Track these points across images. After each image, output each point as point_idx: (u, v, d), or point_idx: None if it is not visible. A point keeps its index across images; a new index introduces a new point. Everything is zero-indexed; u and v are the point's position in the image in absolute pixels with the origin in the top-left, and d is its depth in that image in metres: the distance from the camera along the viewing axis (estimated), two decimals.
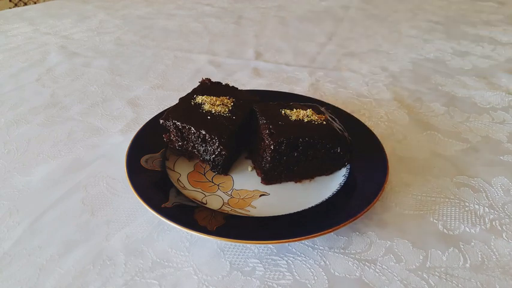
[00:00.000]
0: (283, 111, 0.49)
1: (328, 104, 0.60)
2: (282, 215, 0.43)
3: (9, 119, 0.65)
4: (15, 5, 2.45)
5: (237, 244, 0.41)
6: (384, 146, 0.51)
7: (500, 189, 0.49)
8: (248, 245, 0.41)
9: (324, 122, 0.47)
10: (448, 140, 0.59)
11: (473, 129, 0.62)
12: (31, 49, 0.94)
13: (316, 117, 0.48)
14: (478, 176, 0.51)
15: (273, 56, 0.90)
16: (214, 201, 0.45)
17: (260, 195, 0.47)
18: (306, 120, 0.47)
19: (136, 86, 0.76)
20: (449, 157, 0.55)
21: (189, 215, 0.41)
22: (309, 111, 0.49)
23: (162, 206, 0.41)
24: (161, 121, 0.50)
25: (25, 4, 2.51)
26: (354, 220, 0.40)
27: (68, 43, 0.98)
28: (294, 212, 0.43)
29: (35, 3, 2.20)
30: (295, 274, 0.38)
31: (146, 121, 0.56)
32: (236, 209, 0.44)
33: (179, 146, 0.51)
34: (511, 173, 0.52)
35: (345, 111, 0.58)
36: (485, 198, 0.48)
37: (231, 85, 0.57)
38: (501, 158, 0.55)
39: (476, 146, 0.57)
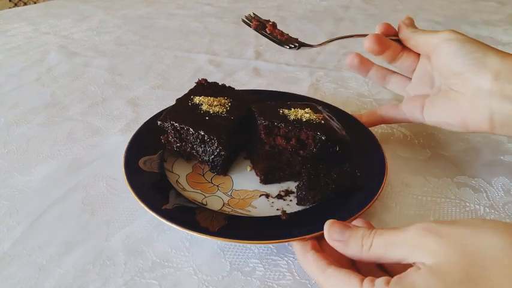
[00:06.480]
0: (281, 111, 0.49)
1: (327, 103, 0.60)
2: (278, 216, 0.43)
3: (9, 119, 0.65)
4: (15, 4, 2.45)
5: (237, 244, 0.41)
6: (384, 146, 0.51)
7: (501, 190, 0.49)
8: (248, 245, 0.41)
9: (322, 121, 0.48)
10: (448, 140, 0.59)
11: None
12: (31, 49, 0.94)
13: (314, 116, 0.48)
14: (478, 176, 0.51)
15: (273, 56, 0.90)
16: (214, 202, 0.45)
17: (260, 195, 0.47)
18: (304, 120, 0.47)
19: (136, 85, 0.76)
20: (449, 157, 0.55)
21: (190, 216, 0.41)
22: (307, 110, 0.49)
23: (163, 207, 0.41)
24: (159, 122, 0.50)
25: (25, 4, 2.51)
26: (354, 219, 0.39)
27: (67, 43, 0.98)
28: (294, 212, 0.43)
29: (35, 3, 2.20)
30: (295, 274, 0.38)
31: (143, 123, 0.55)
32: (237, 209, 0.44)
33: (177, 147, 0.50)
34: (511, 173, 0.52)
35: (343, 111, 0.58)
36: (485, 198, 0.48)
37: (228, 86, 0.57)
38: (502, 158, 0.55)
39: (476, 146, 0.57)
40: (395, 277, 0.28)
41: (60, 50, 0.93)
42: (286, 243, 0.41)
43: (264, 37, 0.54)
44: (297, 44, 0.53)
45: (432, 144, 0.58)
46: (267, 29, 0.54)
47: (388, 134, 0.60)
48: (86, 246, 0.41)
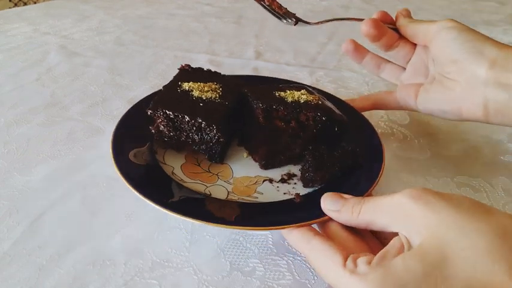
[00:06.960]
0: (277, 94, 0.48)
1: (316, 88, 0.60)
2: (290, 199, 0.43)
3: (9, 119, 0.65)
4: (15, 4, 2.45)
5: (237, 244, 0.41)
6: (384, 146, 0.51)
7: (501, 189, 0.49)
8: (248, 245, 0.41)
9: (320, 102, 0.48)
10: (448, 140, 0.59)
11: (473, 129, 0.62)
12: (31, 49, 0.93)
13: (311, 98, 0.48)
14: (478, 176, 0.51)
15: (273, 56, 0.90)
16: (218, 192, 0.43)
17: (263, 181, 0.46)
18: (302, 101, 0.47)
19: (136, 85, 0.76)
20: (449, 157, 0.55)
21: (202, 207, 0.39)
22: (302, 92, 0.49)
23: (170, 201, 0.39)
24: (149, 112, 0.46)
25: (25, 4, 2.52)
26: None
27: (67, 43, 0.98)
28: (305, 194, 0.43)
29: (35, 3, 2.20)
30: (295, 274, 0.38)
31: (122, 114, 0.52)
32: (244, 197, 0.43)
33: (169, 137, 0.47)
34: (511, 173, 0.52)
35: (333, 95, 0.59)
36: (486, 198, 0.48)
37: (213, 71, 0.55)
38: (502, 158, 0.55)
39: (477, 146, 0.57)
40: (377, 256, 0.28)
41: (60, 50, 0.92)
42: (286, 244, 0.41)
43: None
44: (294, 19, 0.55)
45: (432, 144, 0.58)
46: (265, 0, 0.56)
47: (388, 134, 0.60)
48: (86, 246, 0.41)
